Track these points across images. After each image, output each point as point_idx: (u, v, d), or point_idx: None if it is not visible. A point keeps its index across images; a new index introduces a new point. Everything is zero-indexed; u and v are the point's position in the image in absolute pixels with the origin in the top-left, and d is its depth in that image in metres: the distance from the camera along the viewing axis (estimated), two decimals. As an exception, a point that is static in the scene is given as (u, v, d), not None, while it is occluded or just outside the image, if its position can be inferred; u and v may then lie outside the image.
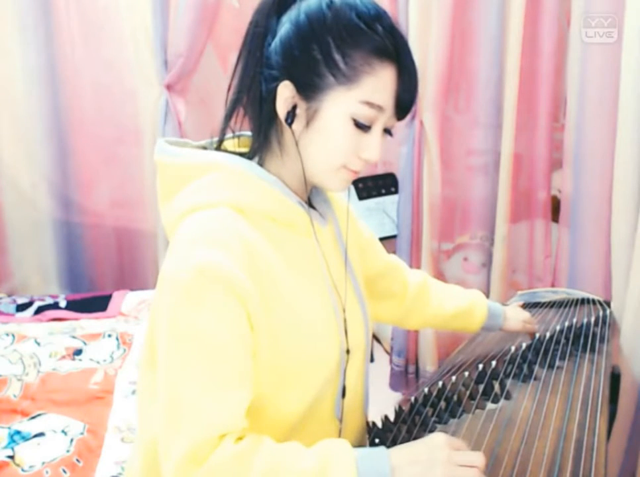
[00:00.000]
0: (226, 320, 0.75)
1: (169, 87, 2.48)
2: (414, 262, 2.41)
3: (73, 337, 2.24)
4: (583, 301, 1.62)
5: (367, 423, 1.02)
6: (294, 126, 0.83)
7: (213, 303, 0.75)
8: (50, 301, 2.54)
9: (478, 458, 0.75)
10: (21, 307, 2.49)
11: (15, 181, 2.69)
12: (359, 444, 0.98)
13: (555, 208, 2.26)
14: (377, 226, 2.80)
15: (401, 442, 0.93)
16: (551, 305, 1.62)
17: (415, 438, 0.94)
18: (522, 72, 2.13)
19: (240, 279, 0.75)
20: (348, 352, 0.90)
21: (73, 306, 2.49)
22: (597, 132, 1.79)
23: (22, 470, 1.58)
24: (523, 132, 2.23)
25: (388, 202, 2.86)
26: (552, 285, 2.19)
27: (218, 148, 0.90)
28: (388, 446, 0.91)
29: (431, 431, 0.97)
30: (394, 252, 2.54)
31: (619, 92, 1.52)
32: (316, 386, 0.86)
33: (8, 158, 2.66)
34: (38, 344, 2.18)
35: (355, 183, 2.88)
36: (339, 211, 1.01)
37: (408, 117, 2.30)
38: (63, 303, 2.51)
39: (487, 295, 2.41)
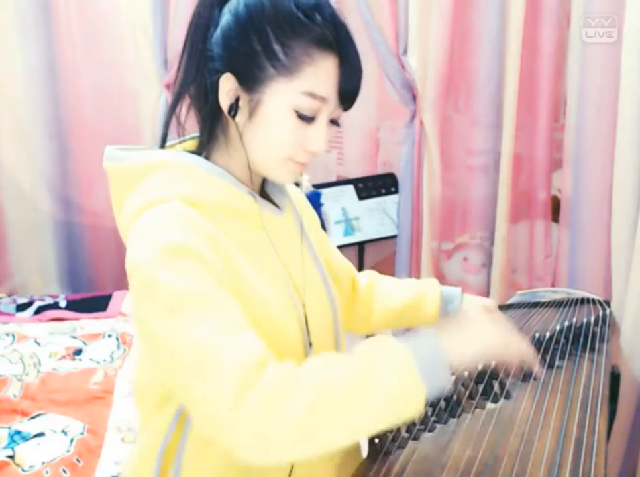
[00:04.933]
0: (207, 278, 0.74)
1: (169, 87, 2.48)
2: (414, 262, 2.41)
3: (73, 337, 2.24)
4: (583, 301, 1.62)
5: None
6: (237, 118, 0.82)
7: (186, 266, 0.73)
8: (50, 301, 2.54)
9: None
10: (21, 307, 2.49)
11: (15, 181, 2.69)
12: None
13: (555, 208, 2.26)
14: (377, 226, 2.81)
15: (400, 442, 0.93)
16: (551, 304, 1.62)
17: (415, 439, 0.95)
18: (522, 72, 2.13)
19: (205, 253, 0.75)
20: (310, 344, 0.88)
21: (73, 306, 2.49)
22: (597, 132, 1.79)
23: (22, 470, 1.58)
24: (523, 132, 2.23)
25: (388, 202, 2.86)
26: (552, 285, 2.19)
27: (163, 142, 0.90)
28: (388, 446, 0.92)
29: (431, 431, 0.97)
30: (394, 252, 2.55)
31: (619, 92, 1.52)
32: None
33: (8, 158, 2.66)
34: (38, 344, 2.18)
35: (355, 183, 2.88)
36: (297, 202, 0.99)
37: (408, 117, 2.31)
38: (63, 303, 2.52)
39: (487, 295, 2.41)
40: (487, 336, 0.77)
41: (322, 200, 2.77)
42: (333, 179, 3.06)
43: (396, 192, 2.74)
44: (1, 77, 2.58)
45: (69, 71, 2.61)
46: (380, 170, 3.06)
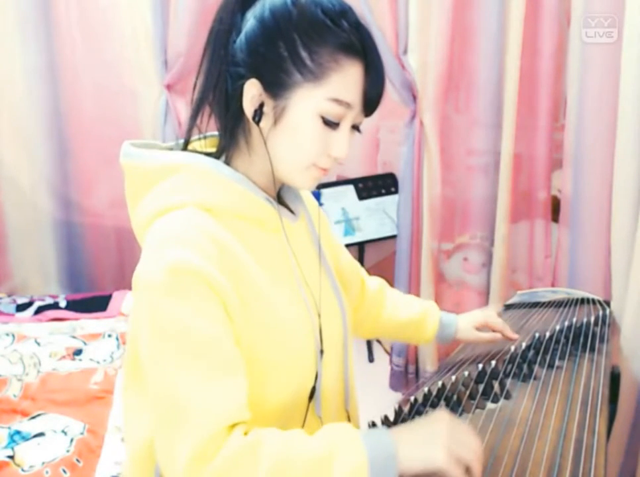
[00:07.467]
0: (207, 312, 0.74)
1: (169, 87, 2.48)
2: (414, 262, 2.41)
3: (73, 337, 2.24)
4: (583, 301, 1.62)
5: (349, 419, 1.00)
6: (262, 124, 0.82)
7: (190, 296, 0.74)
8: (50, 301, 2.54)
9: (478, 443, 0.76)
10: (21, 307, 2.49)
11: (15, 181, 2.68)
12: None
13: (555, 208, 2.26)
14: (377, 226, 2.81)
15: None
16: (551, 304, 1.62)
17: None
18: (522, 72, 2.13)
19: (213, 274, 0.75)
20: (322, 352, 0.88)
21: (73, 306, 2.49)
22: (597, 132, 1.79)
23: (22, 470, 1.58)
24: (523, 132, 2.23)
25: (388, 202, 2.86)
26: (552, 285, 2.19)
27: (185, 148, 0.89)
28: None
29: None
30: (394, 252, 2.55)
31: (619, 92, 1.52)
32: (292, 384, 0.85)
33: (8, 157, 2.66)
34: (38, 344, 2.18)
35: (355, 183, 2.88)
36: (311, 208, 1.00)
37: (408, 117, 2.31)
38: (63, 303, 2.51)
39: (487, 295, 2.41)
40: (440, 445, 0.74)
41: (322, 200, 2.77)
42: (333, 179, 3.06)
43: (396, 192, 2.74)
44: (1, 76, 2.58)
45: (69, 71, 2.61)
46: (380, 170, 3.06)
